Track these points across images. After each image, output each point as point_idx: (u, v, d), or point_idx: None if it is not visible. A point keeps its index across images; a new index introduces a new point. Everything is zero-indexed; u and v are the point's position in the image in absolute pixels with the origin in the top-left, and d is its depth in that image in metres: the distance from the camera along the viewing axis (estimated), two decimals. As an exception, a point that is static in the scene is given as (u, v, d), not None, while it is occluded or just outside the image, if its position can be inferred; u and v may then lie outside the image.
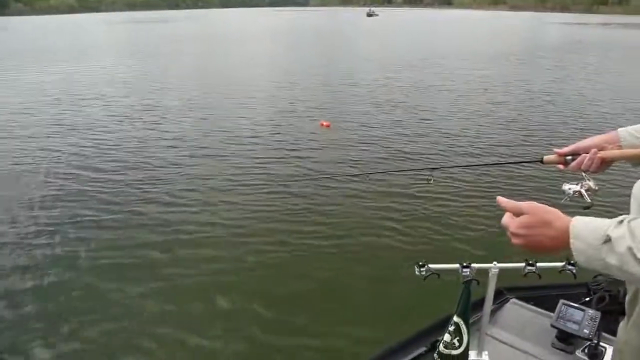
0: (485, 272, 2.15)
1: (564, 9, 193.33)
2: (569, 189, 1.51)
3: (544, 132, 9.91)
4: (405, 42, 36.17)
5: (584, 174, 1.46)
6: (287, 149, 8.75)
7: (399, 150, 8.42)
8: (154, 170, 7.77)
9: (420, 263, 2.10)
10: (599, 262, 0.89)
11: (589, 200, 1.47)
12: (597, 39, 42.22)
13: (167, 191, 6.85)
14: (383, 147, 8.80)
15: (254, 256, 5.14)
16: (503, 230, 1.03)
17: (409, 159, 8.10)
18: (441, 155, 8.30)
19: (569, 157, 1.51)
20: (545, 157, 1.56)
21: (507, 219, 1.03)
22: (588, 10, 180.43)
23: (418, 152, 8.42)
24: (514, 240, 1.01)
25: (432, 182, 1.98)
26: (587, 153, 1.43)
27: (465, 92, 14.22)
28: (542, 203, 1.04)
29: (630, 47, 33.28)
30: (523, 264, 2.13)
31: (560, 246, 0.95)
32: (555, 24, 74.73)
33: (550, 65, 21.70)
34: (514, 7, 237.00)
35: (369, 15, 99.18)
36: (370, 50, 28.91)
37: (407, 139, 9.22)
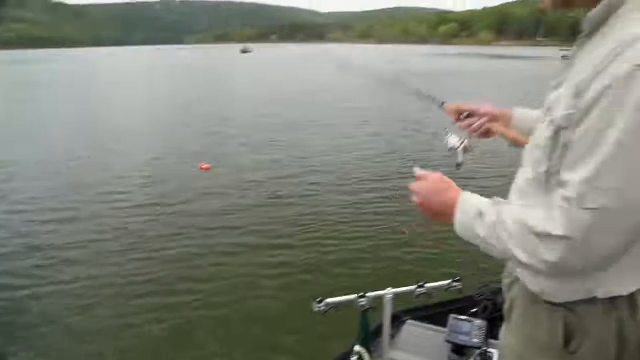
0: (381, 299, 2.22)
1: (424, 41, 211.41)
2: (451, 140, 1.59)
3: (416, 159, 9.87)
4: (279, 78, 36.64)
5: (468, 134, 1.55)
6: (163, 197, 8.06)
7: (277, 194, 8.07)
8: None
9: (318, 299, 2.15)
10: (471, 233, 1.03)
11: (461, 160, 1.57)
12: (457, 67, 46.11)
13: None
14: (264, 188, 8.43)
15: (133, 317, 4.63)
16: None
17: (291, 204, 7.66)
18: (324, 193, 8.08)
19: (463, 115, 1.59)
20: (447, 104, 1.63)
21: (413, 183, 1.20)
22: (444, 42, 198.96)
23: (299, 194, 8.07)
24: (414, 199, 1.18)
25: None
26: (482, 118, 1.54)
27: (342, 126, 14.44)
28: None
29: (482, 72, 36.81)
30: (414, 287, 2.26)
31: (447, 212, 1.09)
32: (417, 56, 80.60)
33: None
34: (381, 41, 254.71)
35: (244, 52, 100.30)
36: (245, 87, 28.90)
37: (286, 180, 8.84)
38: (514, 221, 0.94)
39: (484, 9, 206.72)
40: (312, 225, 6.56)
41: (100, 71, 53.97)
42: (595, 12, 0.93)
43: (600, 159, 0.83)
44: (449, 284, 2.33)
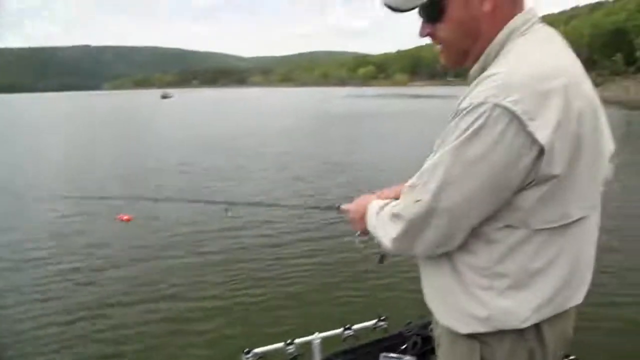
0: (309, 344, 2.21)
1: (343, 84, 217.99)
2: (358, 234, 1.58)
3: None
4: (199, 123, 36.20)
5: None
6: (79, 250, 7.52)
7: (199, 246, 7.65)
8: None
9: (245, 350, 2.13)
10: (372, 227, 1.31)
11: (358, 245, 1.57)
12: (376, 108, 47.91)
13: None
14: (186, 239, 8.01)
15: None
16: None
17: (214, 253, 7.29)
18: (248, 242, 7.68)
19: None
20: (343, 206, 1.63)
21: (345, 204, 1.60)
22: (363, 84, 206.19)
23: (222, 246, 7.64)
24: (346, 217, 1.55)
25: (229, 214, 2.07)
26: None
27: (264, 171, 14.10)
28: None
29: (397, 113, 38.02)
30: (341, 330, 2.26)
31: (363, 214, 1.39)
32: (337, 97, 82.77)
33: (339, 135, 23.34)
34: (302, 84, 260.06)
35: (164, 97, 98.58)
36: (164, 134, 28.01)
37: (209, 231, 8.33)
38: (387, 210, 1.23)
39: (398, 52, 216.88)
40: (238, 276, 6.29)
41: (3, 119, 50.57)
42: (474, 68, 1.14)
43: (429, 164, 1.07)
44: (374, 323, 2.34)
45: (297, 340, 2.21)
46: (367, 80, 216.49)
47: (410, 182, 1.13)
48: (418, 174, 1.10)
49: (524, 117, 0.94)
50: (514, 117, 0.94)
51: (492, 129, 0.96)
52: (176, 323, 5.23)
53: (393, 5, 1.16)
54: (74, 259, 7.21)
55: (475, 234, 1.09)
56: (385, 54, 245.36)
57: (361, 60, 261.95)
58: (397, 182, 1.40)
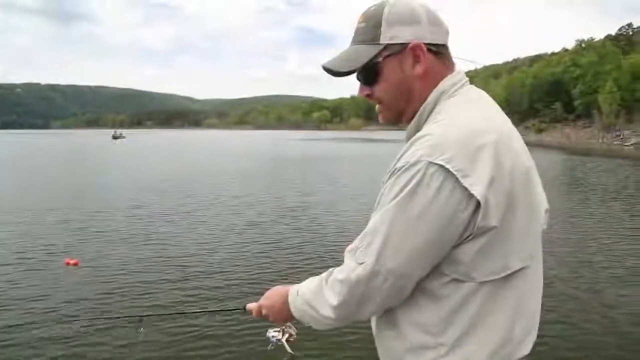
0: None
1: (299, 127, 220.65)
2: (272, 336, 1.57)
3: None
4: (148, 165, 35.20)
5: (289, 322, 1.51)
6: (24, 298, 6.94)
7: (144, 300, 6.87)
8: None
9: None
10: (301, 306, 1.26)
11: (289, 351, 1.54)
12: (331, 151, 48.04)
13: None
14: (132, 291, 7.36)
15: None
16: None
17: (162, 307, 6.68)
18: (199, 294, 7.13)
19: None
20: (249, 305, 1.55)
21: (251, 304, 1.52)
22: (318, 127, 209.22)
23: (169, 299, 7.00)
24: (259, 315, 1.48)
25: (141, 330, 1.93)
26: None
27: (219, 216, 13.60)
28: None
29: (350, 156, 38.31)
30: None
31: (284, 305, 1.34)
32: (293, 140, 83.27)
33: (295, 177, 23.05)
34: (258, 127, 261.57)
35: (115, 137, 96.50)
36: (112, 176, 26.93)
37: (157, 285, 7.64)
38: (320, 281, 1.21)
39: (352, 97, 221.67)
40: (181, 333, 5.69)
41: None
42: (409, 127, 1.22)
43: (370, 225, 1.09)
44: None
45: None
46: (322, 124, 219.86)
47: (351, 245, 1.14)
48: (360, 236, 1.11)
49: (458, 175, 0.97)
50: (448, 174, 0.98)
51: (428, 186, 0.99)
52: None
53: (332, 68, 1.22)
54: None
55: (421, 290, 1.10)
56: (340, 99, 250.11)
57: (316, 104, 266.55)
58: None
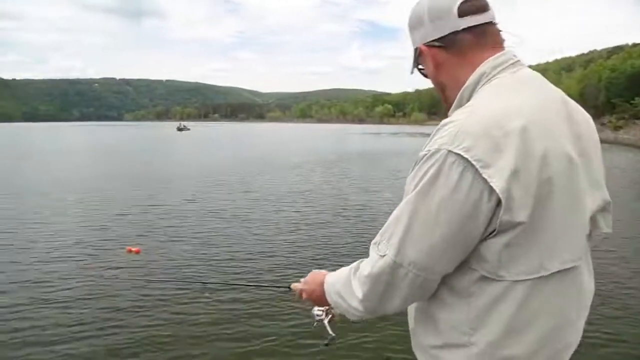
0: None
1: (361, 121, 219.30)
2: (317, 315, 1.62)
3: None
4: (210, 155, 35.87)
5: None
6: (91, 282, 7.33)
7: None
8: None
9: None
10: (335, 296, 1.26)
11: (331, 333, 1.60)
12: (391, 146, 47.15)
13: None
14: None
15: None
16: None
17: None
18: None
19: None
20: (293, 285, 1.61)
21: (295, 284, 1.59)
22: (380, 121, 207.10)
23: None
24: (303, 295, 1.51)
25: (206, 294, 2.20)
26: None
27: (275, 212, 13.32)
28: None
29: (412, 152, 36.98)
30: None
31: (322, 290, 1.34)
32: (354, 134, 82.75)
33: (353, 172, 22.47)
34: (320, 120, 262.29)
35: (180, 129, 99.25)
36: (176, 165, 27.67)
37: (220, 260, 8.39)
38: (350, 273, 1.20)
39: (416, 91, 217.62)
40: (237, 310, 6.15)
41: (25, 146, 51.15)
42: (449, 113, 1.17)
43: (391, 217, 1.07)
44: None
45: None
46: (384, 118, 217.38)
47: (376, 237, 1.12)
48: (383, 228, 1.09)
49: (477, 165, 0.93)
50: (468, 164, 0.94)
51: (448, 177, 0.96)
52: None
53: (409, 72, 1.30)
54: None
55: (450, 288, 1.08)
56: (404, 93, 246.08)
57: (378, 98, 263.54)
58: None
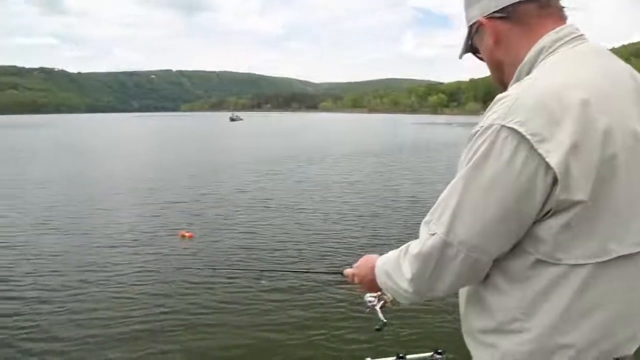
0: None
1: (414, 111, 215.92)
2: (369, 301, 1.67)
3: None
4: (263, 144, 36.20)
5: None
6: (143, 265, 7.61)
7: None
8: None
9: None
10: (385, 278, 1.22)
11: (383, 319, 1.64)
12: (445, 137, 46.32)
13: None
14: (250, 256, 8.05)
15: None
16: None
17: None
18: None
19: None
20: (346, 271, 1.60)
21: (348, 269, 1.56)
22: (434, 111, 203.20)
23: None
24: (355, 280, 1.50)
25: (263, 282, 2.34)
26: None
27: (323, 201, 13.34)
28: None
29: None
30: (394, 358, 2.14)
31: (373, 273, 1.31)
32: (406, 124, 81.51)
33: (403, 163, 22.09)
34: (372, 110, 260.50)
35: (232, 119, 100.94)
36: (228, 155, 27.93)
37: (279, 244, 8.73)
38: (400, 253, 1.16)
39: (471, 80, 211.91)
40: (292, 295, 6.29)
41: (88, 137, 53.59)
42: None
43: (442, 196, 1.03)
44: (430, 356, 2.19)
45: None
46: (438, 108, 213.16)
47: (427, 216, 1.08)
48: (433, 207, 1.06)
49: (532, 140, 0.88)
50: (522, 139, 0.89)
51: (500, 153, 0.92)
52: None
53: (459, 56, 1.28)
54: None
55: (504, 272, 1.03)
56: (458, 82, 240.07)
57: (432, 88, 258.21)
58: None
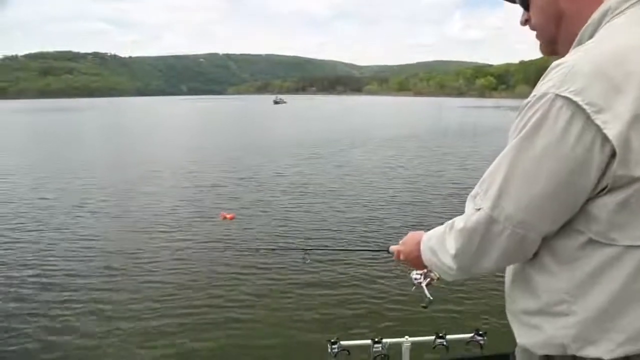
0: (397, 347, 2.13)
1: (461, 94, 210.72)
2: (415, 279, 1.70)
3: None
4: (305, 127, 36.35)
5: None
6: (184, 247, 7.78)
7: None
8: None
9: (332, 340, 2.12)
10: (430, 254, 1.18)
11: (429, 296, 1.65)
12: (495, 122, 44.83)
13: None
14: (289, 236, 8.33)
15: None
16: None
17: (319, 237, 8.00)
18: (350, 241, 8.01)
19: None
20: (392, 247, 1.58)
21: (393, 246, 1.54)
22: (482, 95, 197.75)
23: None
24: (400, 257, 1.45)
25: (307, 261, 2.14)
26: None
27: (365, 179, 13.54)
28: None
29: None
30: (433, 337, 2.14)
31: (418, 250, 1.27)
32: (452, 108, 79.68)
33: (445, 147, 21.56)
34: (418, 93, 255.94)
35: (276, 102, 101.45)
36: (270, 138, 28.18)
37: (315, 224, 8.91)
38: (446, 229, 1.12)
39: (521, 62, 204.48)
40: (336, 274, 6.44)
41: (134, 120, 55.07)
42: None
43: (490, 169, 0.97)
44: (471, 337, 2.15)
45: (385, 340, 2.12)
46: (486, 91, 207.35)
47: (473, 190, 1.04)
48: (480, 180, 1.01)
49: (589, 110, 0.82)
50: (577, 109, 0.83)
51: (553, 124, 0.86)
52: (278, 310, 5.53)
53: None
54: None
55: (552, 252, 0.99)
56: (507, 64, 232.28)
57: (480, 70, 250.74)
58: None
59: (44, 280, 6.37)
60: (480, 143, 24.19)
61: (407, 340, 2.15)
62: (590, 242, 0.91)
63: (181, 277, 6.43)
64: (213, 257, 7.17)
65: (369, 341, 2.13)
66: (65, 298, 5.82)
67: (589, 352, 0.95)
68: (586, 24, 0.96)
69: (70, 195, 11.63)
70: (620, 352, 0.92)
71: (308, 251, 2.19)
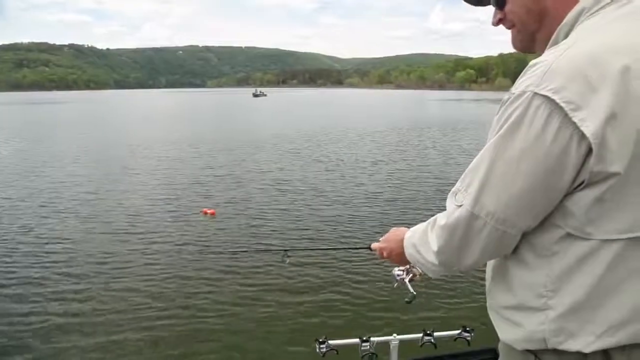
0: (385, 345, 2.14)
1: (441, 86, 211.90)
2: (397, 275, 1.72)
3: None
4: (282, 121, 35.94)
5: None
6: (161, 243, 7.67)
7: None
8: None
9: (320, 339, 2.10)
10: (413, 250, 1.20)
11: (412, 291, 1.66)
12: (473, 114, 45.14)
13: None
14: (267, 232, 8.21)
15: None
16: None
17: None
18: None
19: None
20: (373, 245, 1.59)
21: (374, 243, 1.55)
22: (462, 87, 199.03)
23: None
24: (380, 255, 1.50)
25: (287, 262, 2.12)
26: None
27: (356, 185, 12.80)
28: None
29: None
30: (421, 334, 2.15)
31: (401, 247, 1.28)
32: (433, 100, 79.84)
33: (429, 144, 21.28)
34: (399, 86, 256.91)
35: (256, 95, 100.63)
36: (246, 132, 27.54)
37: (299, 222, 8.72)
38: (428, 226, 1.14)
39: (500, 55, 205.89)
40: (318, 273, 6.35)
41: (110, 113, 54.08)
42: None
43: (470, 166, 0.99)
44: (458, 333, 2.19)
45: (374, 338, 2.11)
46: (466, 84, 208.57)
47: (454, 187, 1.05)
48: (462, 176, 1.03)
49: (567, 108, 0.84)
50: (555, 107, 0.85)
51: (531, 122, 0.87)
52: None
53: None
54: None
55: (530, 246, 1.00)
56: (486, 57, 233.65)
57: (460, 63, 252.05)
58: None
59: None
60: (461, 137, 23.97)
61: (395, 338, 2.14)
62: (568, 236, 0.93)
63: (157, 283, 6.14)
64: (191, 259, 6.96)
65: (356, 340, 2.10)
66: (26, 310, 5.41)
67: (569, 345, 0.95)
68: (561, 24, 0.97)
69: (37, 194, 11.00)
70: (599, 344, 0.93)
71: (287, 250, 2.16)
